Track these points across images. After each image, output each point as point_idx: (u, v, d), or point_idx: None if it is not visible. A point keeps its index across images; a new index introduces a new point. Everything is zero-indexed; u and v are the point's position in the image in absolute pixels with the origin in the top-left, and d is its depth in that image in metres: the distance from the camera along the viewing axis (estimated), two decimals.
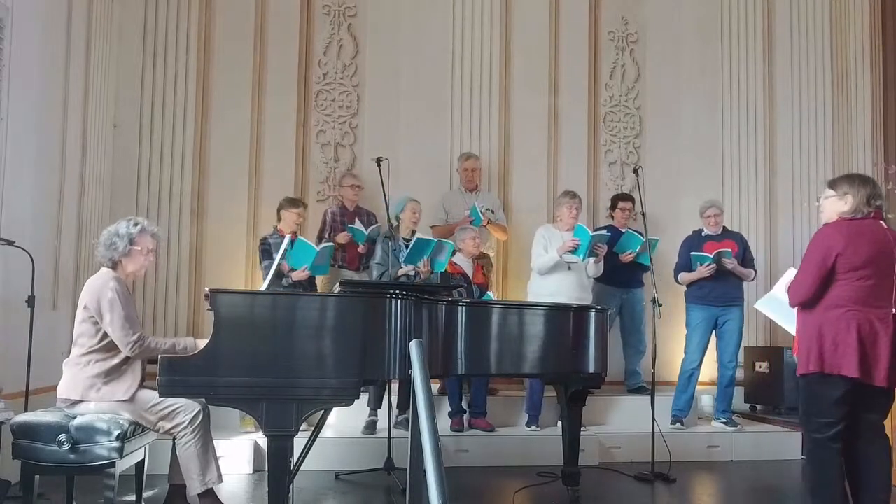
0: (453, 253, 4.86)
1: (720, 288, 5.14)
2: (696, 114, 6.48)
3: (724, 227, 5.38)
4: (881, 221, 3.09)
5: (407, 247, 4.75)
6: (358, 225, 5.17)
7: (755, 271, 5.35)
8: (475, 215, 5.35)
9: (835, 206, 3.14)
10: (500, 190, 6.13)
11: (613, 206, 5.86)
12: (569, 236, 4.99)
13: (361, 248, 5.18)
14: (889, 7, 6.60)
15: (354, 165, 5.97)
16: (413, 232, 5.07)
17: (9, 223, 3.89)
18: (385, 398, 4.70)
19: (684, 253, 5.32)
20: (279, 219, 5.03)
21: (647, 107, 6.46)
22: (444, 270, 4.91)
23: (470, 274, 5.00)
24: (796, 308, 3.19)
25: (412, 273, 4.69)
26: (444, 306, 3.16)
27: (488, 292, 5.10)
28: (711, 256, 5.06)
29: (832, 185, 3.19)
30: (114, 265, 3.23)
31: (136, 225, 3.24)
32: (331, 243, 4.92)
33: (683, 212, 6.10)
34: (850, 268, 3.00)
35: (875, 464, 3.09)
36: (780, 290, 3.39)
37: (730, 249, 5.13)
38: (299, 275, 4.67)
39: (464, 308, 3.25)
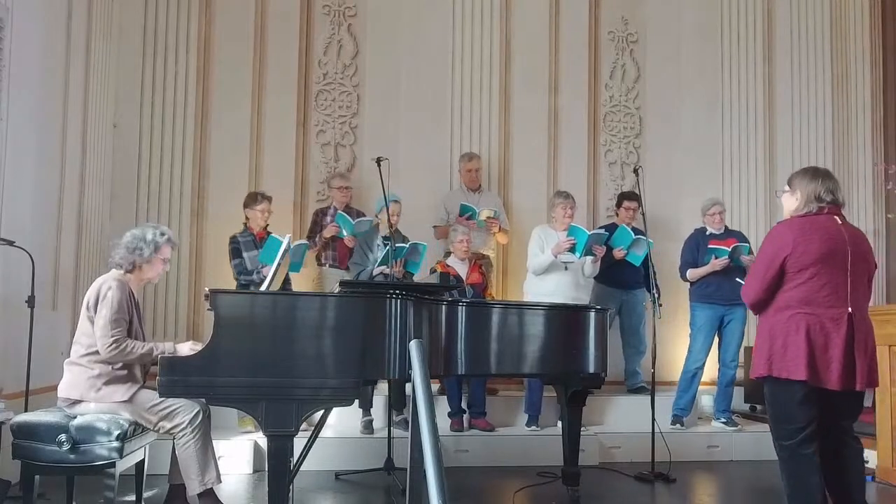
0: (452, 253, 4.83)
1: (726, 285, 5.09)
2: (696, 114, 6.48)
3: (725, 225, 5.38)
4: (836, 217, 2.98)
5: (386, 245, 4.75)
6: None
7: None
8: (469, 211, 5.31)
9: (788, 202, 3.08)
10: (501, 190, 6.13)
11: (619, 204, 5.85)
12: (564, 236, 4.99)
13: (349, 240, 5.14)
14: (889, 7, 6.60)
15: (354, 165, 5.97)
16: (395, 230, 5.02)
17: (9, 223, 3.89)
18: (384, 398, 4.71)
19: (690, 250, 5.30)
20: (246, 217, 4.95)
21: (647, 107, 6.46)
22: (437, 271, 4.92)
23: (463, 274, 4.99)
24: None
25: (387, 272, 4.66)
26: (444, 306, 3.16)
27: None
28: (728, 250, 5.05)
29: (789, 180, 3.12)
30: (131, 269, 3.25)
31: (162, 235, 3.30)
32: (304, 242, 4.90)
33: (684, 212, 6.10)
34: (799, 267, 2.90)
35: (850, 468, 3.01)
36: None
37: (747, 245, 5.12)
38: (269, 271, 4.66)
39: (464, 308, 3.25)
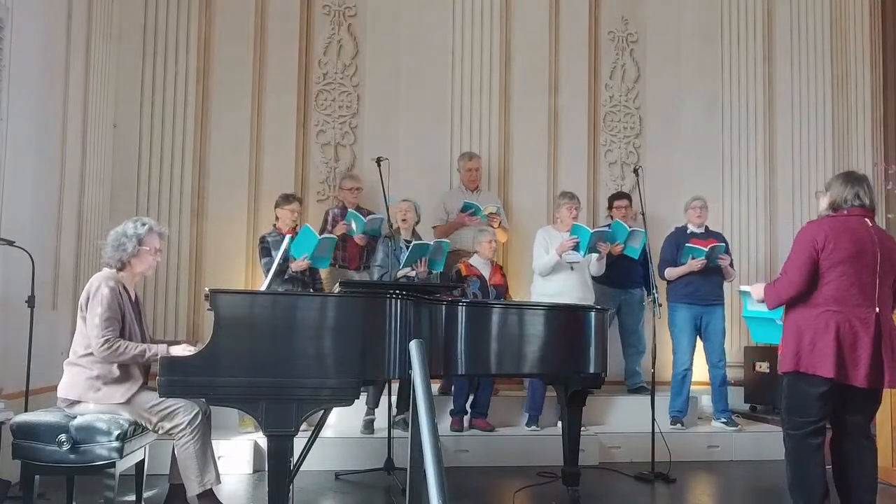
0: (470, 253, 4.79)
1: (705, 286, 5.13)
2: (696, 114, 6.48)
3: (706, 226, 5.38)
4: (866, 219, 3.06)
5: (407, 247, 4.77)
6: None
7: (734, 272, 5.37)
8: (472, 207, 5.32)
9: (822, 203, 3.19)
10: (500, 190, 6.13)
11: (610, 206, 5.86)
12: (568, 236, 4.99)
13: (359, 239, 5.14)
14: (889, 7, 6.60)
15: (354, 165, 5.97)
16: (412, 231, 5.09)
17: (9, 223, 3.89)
18: (385, 398, 4.71)
19: (669, 248, 5.31)
20: (276, 217, 5.03)
21: (647, 107, 6.46)
22: (458, 270, 4.93)
23: (486, 275, 5.00)
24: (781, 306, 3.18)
25: (412, 273, 4.71)
26: (444, 306, 3.16)
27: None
28: (706, 250, 5.05)
29: (827, 183, 3.24)
30: (122, 266, 3.25)
31: (143, 225, 3.27)
32: (333, 236, 4.92)
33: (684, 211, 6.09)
34: (830, 264, 2.98)
35: (861, 465, 3.07)
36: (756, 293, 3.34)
37: (724, 245, 5.13)
38: (298, 264, 4.66)
39: (464, 308, 3.25)
